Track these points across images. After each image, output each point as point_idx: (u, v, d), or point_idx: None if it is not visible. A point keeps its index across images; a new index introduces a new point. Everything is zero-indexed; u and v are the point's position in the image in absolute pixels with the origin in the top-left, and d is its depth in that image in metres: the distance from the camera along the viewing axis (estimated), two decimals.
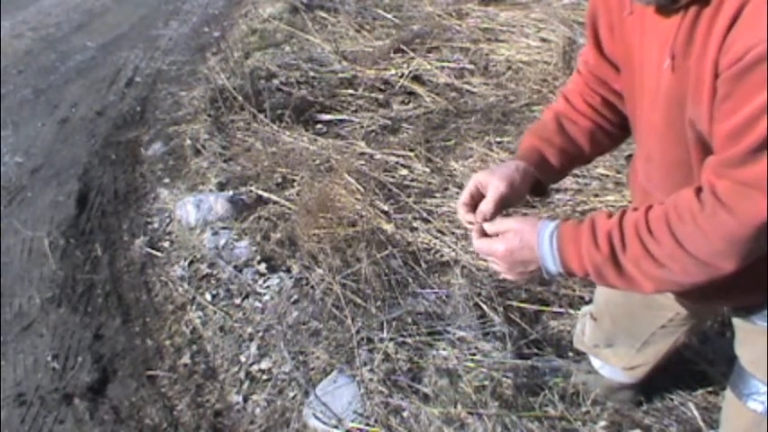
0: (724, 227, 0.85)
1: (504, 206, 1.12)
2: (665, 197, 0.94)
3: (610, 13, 1.06)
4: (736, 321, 1.17)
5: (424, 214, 2.41)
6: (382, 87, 3.44)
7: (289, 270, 2.28)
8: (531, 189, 1.18)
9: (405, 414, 1.69)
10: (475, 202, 1.13)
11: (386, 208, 2.44)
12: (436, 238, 2.29)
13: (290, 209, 2.55)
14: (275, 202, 2.62)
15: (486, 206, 1.10)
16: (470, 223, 1.12)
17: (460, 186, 2.54)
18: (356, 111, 3.28)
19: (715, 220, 0.86)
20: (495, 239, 1.06)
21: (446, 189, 2.57)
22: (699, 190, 0.89)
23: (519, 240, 1.03)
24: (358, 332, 1.92)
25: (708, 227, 0.86)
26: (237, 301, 2.23)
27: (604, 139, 1.22)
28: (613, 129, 1.20)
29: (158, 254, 2.56)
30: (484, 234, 1.09)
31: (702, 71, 0.84)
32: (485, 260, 1.98)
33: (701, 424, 1.62)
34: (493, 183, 1.11)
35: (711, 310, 1.41)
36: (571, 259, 0.99)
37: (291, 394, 1.85)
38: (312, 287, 2.15)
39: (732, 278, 0.90)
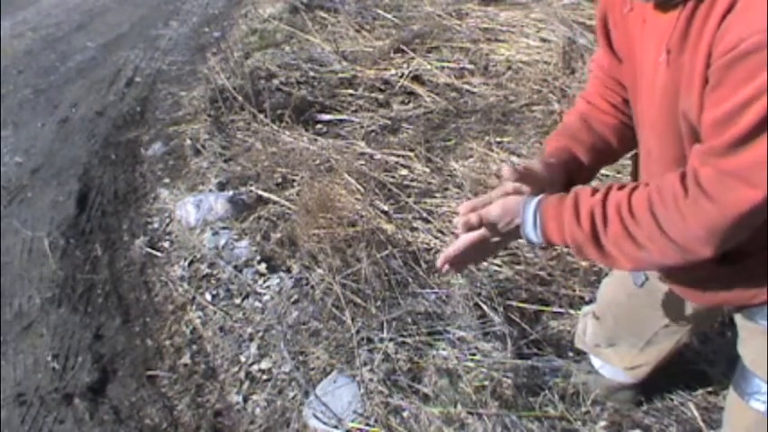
0: (704, 214, 0.87)
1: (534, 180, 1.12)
2: None
3: (614, 9, 1.07)
4: (738, 320, 1.17)
5: (424, 214, 2.41)
6: (382, 87, 3.44)
7: (289, 270, 2.28)
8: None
9: (405, 414, 1.68)
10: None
11: (386, 208, 2.44)
12: (436, 238, 2.29)
13: (290, 209, 2.55)
14: (275, 202, 2.62)
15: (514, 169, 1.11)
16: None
17: (460, 186, 2.54)
18: (356, 111, 3.27)
19: (696, 207, 0.87)
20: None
21: (446, 189, 2.57)
22: (683, 176, 0.90)
23: (502, 205, 1.06)
24: (358, 332, 1.92)
25: (688, 213, 0.88)
26: (237, 301, 2.23)
27: (631, 135, 1.21)
28: None
29: (158, 254, 2.56)
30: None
31: (695, 62, 0.85)
32: (486, 260, 1.98)
33: (701, 424, 1.61)
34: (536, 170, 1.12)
35: (716, 310, 1.41)
36: (552, 233, 1.02)
37: (291, 394, 1.85)
38: (312, 287, 2.15)
39: (738, 275, 0.91)
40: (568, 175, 1.17)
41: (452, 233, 2.30)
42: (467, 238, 1.12)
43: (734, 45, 0.78)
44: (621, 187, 0.97)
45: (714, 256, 0.90)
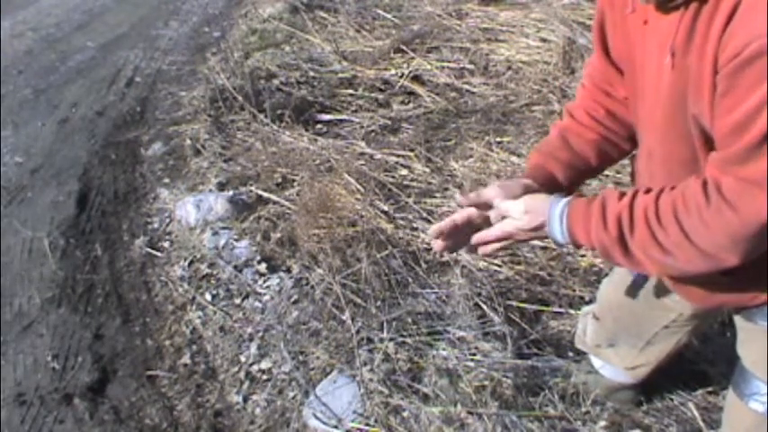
0: (727, 223, 0.86)
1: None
2: None
3: (613, 11, 1.07)
4: (738, 321, 1.17)
5: (424, 214, 2.41)
6: (382, 87, 3.44)
7: (289, 270, 2.28)
8: None
9: (405, 414, 1.68)
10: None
11: (386, 208, 2.44)
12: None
13: (290, 209, 2.55)
14: (275, 202, 2.62)
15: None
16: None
17: (460, 186, 2.54)
18: (356, 111, 3.27)
19: (719, 216, 0.87)
20: (504, 222, 1.09)
21: (446, 189, 2.57)
22: (705, 184, 0.89)
23: (526, 204, 1.07)
24: (358, 332, 1.92)
25: (712, 222, 0.88)
26: (237, 301, 2.23)
27: (611, 150, 1.22)
28: (620, 140, 1.20)
29: (158, 254, 2.56)
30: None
31: (702, 68, 0.85)
32: (486, 260, 1.99)
33: (701, 424, 1.61)
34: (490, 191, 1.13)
35: (716, 311, 1.41)
36: (579, 236, 1.01)
37: (291, 394, 1.85)
38: (312, 287, 2.15)
39: (738, 276, 0.91)
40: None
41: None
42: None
43: (738, 51, 0.78)
44: (648, 191, 0.97)
45: (740, 263, 0.89)
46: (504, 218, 1.09)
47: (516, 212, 1.07)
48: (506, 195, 1.10)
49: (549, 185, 1.17)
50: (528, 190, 1.12)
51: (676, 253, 0.92)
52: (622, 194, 0.99)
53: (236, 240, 2.46)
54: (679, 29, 0.87)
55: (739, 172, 0.84)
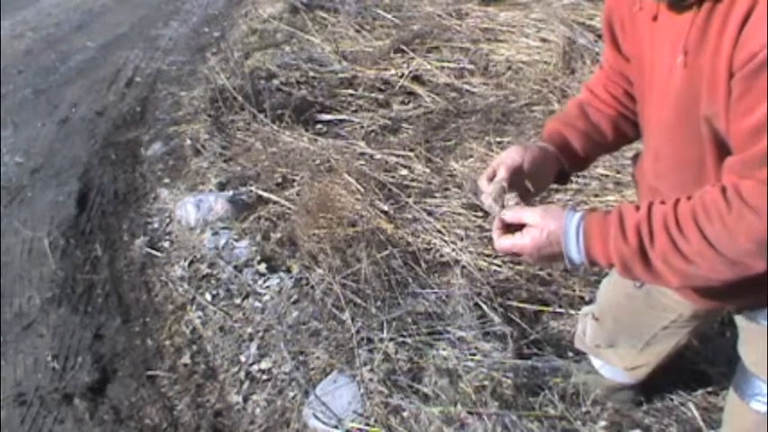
0: (751, 228, 0.85)
1: (522, 179, 1.12)
2: (676, 195, 0.94)
3: (621, 9, 1.07)
4: (739, 321, 1.16)
5: (424, 214, 2.41)
6: (382, 87, 3.44)
7: (289, 270, 2.28)
8: (555, 175, 1.19)
9: (405, 414, 1.68)
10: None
11: (386, 208, 2.44)
12: (436, 238, 2.29)
13: (290, 209, 2.55)
14: (275, 202, 2.62)
15: (500, 174, 1.10)
16: (491, 200, 1.11)
17: (460, 186, 2.54)
18: (356, 111, 3.28)
19: (742, 222, 0.85)
20: (519, 236, 1.03)
21: (446, 189, 2.57)
22: (724, 189, 0.88)
23: (546, 236, 1.00)
24: (358, 332, 1.92)
25: (735, 228, 0.86)
26: (237, 301, 2.23)
27: (628, 128, 1.22)
28: (636, 119, 1.19)
29: (158, 254, 2.56)
30: (504, 226, 1.06)
31: (717, 69, 0.84)
32: (486, 260, 1.98)
33: (701, 424, 1.61)
34: (509, 155, 1.12)
35: (716, 312, 1.41)
36: (597, 251, 0.97)
37: (291, 394, 1.85)
38: (312, 287, 2.15)
39: (738, 278, 0.90)
40: (560, 161, 1.17)
41: (452, 233, 2.30)
42: None
43: (753, 54, 0.78)
44: (663, 202, 0.95)
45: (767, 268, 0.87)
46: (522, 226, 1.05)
47: (533, 246, 1.02)
48: (520, 159, 1.11)
49: (565, 151, 1.18)
50: (545, 154, 1.13)
51: (699, 261, 0.90)
52: (638, 206, 0.96)
53: (236, 240, 2.46)
54: (692, 28, 0.86)
55: (759, 174, 0.83)
